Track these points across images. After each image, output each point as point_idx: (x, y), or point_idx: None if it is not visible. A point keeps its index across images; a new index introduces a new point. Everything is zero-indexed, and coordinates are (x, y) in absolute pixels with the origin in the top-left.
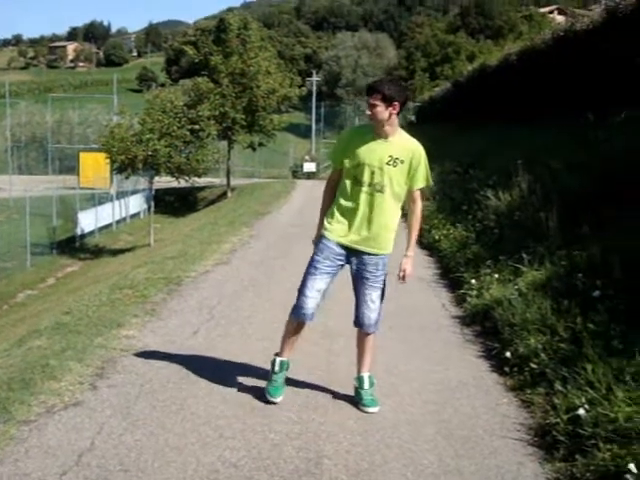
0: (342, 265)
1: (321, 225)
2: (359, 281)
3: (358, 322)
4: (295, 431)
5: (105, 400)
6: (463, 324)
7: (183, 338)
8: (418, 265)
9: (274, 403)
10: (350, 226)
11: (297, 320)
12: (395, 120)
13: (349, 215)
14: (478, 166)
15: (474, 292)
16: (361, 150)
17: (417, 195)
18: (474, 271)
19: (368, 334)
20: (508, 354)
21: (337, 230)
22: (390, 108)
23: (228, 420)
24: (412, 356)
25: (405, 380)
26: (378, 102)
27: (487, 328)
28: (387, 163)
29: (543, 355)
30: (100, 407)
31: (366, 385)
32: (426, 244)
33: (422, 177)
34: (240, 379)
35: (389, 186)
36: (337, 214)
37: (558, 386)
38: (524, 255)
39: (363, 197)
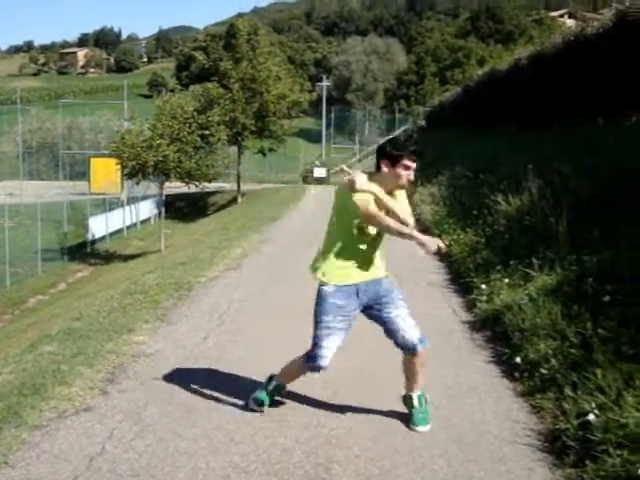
0: (357, 312)
1: None
2: (382, 312)
3: (405, 347)
4: (305, 436)
5: (116, 405)
6: (473, 329)
7: (193, 343)
8: (428, 271)
9: (261, 411)
10: (355, 266)
11: (313, 372)
12: None
13: (354, 258)
14: (488, 171)
15: (484, 297)
16: None
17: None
18: (484, 276)
19: (418, 354)
20: (518, 359)
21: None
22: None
23: (238, 425)
24: None
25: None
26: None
27: (497, 333)
28: None
29: (553, 360)
30: (111, 412)
31: (417, 404)
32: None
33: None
34: (250, 384)
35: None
36: (337, 261)
37: (568, 391)
38: (534, 260)
39: (370, 242)
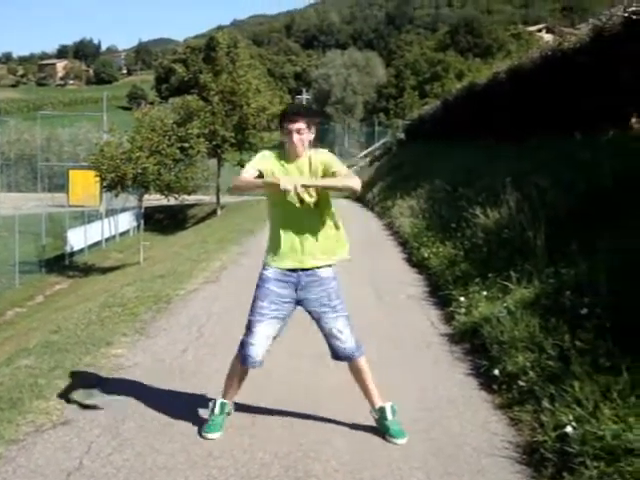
0: (292, 303)
1: None
2: (320, 317)
3: (336, 357)
4: (283, 450)
5: (94, 419)
6: (452, 342)
7: (172, 357)
8: (407, 283)
9: (210, 439)
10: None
11: (244, 366)
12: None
13: (283, 236)
14: (467, 184)
15: (463, 310)
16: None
17: None
18: (463, 289)
19: (354, 361)
20: (496, 372)
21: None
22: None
23: (217, 439)
24: (401, 374)
25: (394, 398)
26: (306, 127)
27: (476, 346)
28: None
29: (531, 373)
30: (89, 426)
31: (389, 415)
32: (415, 262)
33: None
34: None
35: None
36: (272, 242)
37: (546, 404)
38: (512, 273)
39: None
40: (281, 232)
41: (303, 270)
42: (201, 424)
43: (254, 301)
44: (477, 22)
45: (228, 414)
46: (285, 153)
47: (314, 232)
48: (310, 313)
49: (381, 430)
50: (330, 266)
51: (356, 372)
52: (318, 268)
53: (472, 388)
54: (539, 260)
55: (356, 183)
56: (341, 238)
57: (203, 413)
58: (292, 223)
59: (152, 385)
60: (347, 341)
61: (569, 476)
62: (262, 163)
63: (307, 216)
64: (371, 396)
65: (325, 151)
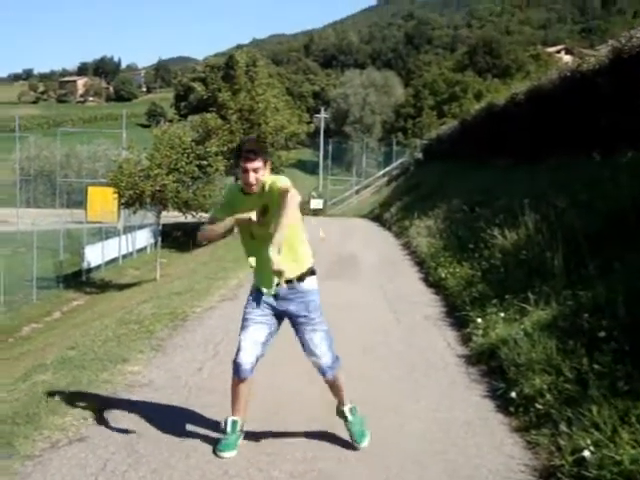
0: (275, 312)
1: None
2: (298, 330)
3: (319, 371)
4: (299, 470)
5: (110, 436)
6: (469, 363)
7: (188, 374)
8: (424, 304)
9: (225, 457)
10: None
11: (236, 377)
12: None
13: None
14: (485, 204)
15: (480, 331)
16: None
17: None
18: (480, 310)
19: (327, 378)
20: (513, 394)
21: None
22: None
23: (233, 458)
24: (418, 395)
25: (411, 419)
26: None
27: (493, 367)
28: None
29: (548, 396)
30: (104, 443)
31: (349, 416)
32: (432, 282)
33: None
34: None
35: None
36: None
37: (563, 427)
38: (530, 294)
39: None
40: (253, 260)
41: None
42: (217, 442)
43: (243, 314)
44: (496, 42)
45: (241, 431)
46: (243, 186)
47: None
48: (292, 325)
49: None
50: (310, 276)
51: (330, 386)
52: (297, 280)
53: (489, 410)
54: (557, 282)
55: (293, 199)
56: (307, 251)
57: (219, 430)
58: (259, 250)
59: (168, 402)
60: (322, 356)
61: None
62: (226, 204)
63: (265, 239)
64: (337, 400)
65: (283, 177)
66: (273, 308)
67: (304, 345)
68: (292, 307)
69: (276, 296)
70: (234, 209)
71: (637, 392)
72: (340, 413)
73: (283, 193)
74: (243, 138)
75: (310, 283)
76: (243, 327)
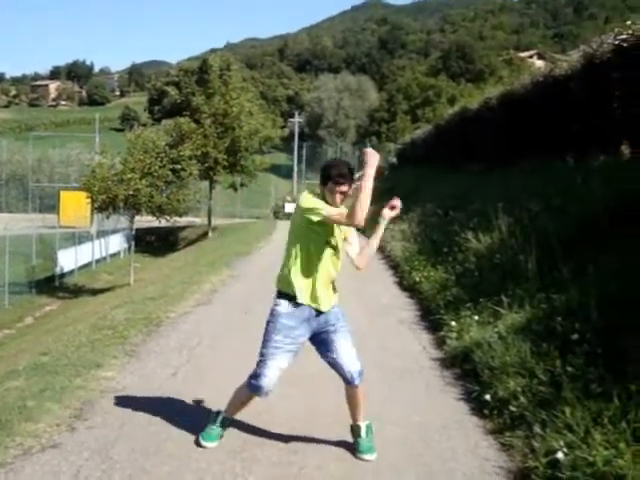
0: (307, 335)
1: None
2: (327, 341)
3: (347, 379)
4: (275, 474)
5: (83, 442)
6: (443, 366)
7: (162, 380)
8: (398, 308)
9: (206, 447)
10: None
11: (255, 395)
12: None
13: (311, 276)
14: (459, 208)
15: (454, 334)
16: None
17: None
18: (454, 313)
19: (357, 387)
20: (488, 397)
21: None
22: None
23: (207, 463)
24: (393, 398)
25: (386, 423)
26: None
27: (467, 371)
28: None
29: (522, 398)
30: (78, 449)
31: (363, 434)
32: (407, 286)
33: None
34: None
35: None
36: (296, 277)
37: (537, 429)
38: (504, 298)
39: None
40: (311, 272)
41: (317, 311)
42: (191, 447)
43: (267, 334)
44: (469, 47)
45: (225, 429)
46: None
47: (334, 275)
48: (318, 339)
49: (354, 446)
50: None
51: (355, 396)
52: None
53: (463, 413)
54: (530, 285)
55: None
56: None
57: (193, 436)
58: (324, 265)
59: (142, 408)
60: (356, 361)
61: None
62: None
63: (335, 260)
64: (356, 415)
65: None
66: (305, 330)
67: (332, 354)
68: (321, 319)
69: (308, 319)
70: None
71: (609, 394)
72: (356, 429)
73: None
74: (333, 161)
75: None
76: (270, 355)
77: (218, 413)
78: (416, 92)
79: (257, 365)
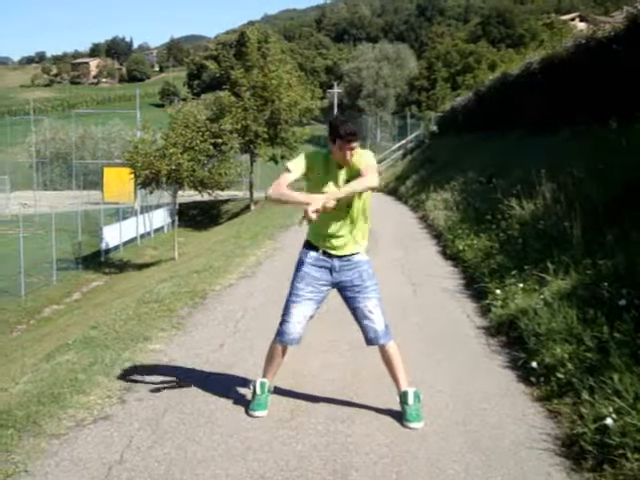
0: (328, 286)
1: None
2: (352, 298)
3: (368, 339)
4: (322, 443)
5: (134, 414)
6: (488, 334)
7: (209, 351)
8: (442, 276)
9: (257, 417)
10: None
11: (282, 344)
12: None
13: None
14: (501, 175)
15: (499, 302)
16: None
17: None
18: (499, 281)
19: (384, 346)
20: (534, 364)
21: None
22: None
23: (255, 432)
24: (438, 367)
25: (432, 391)
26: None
27: (513, 338)
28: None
29: (570, 365)
30: (129, 420)
31: (410, 400)
32: (450, 254)
33: None
34: None
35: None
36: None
37: (585, 396)
38: (549, 264)
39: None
40: (318, 226)
41: (338, 257)
42: (240, 416)
43: (292, 283)
44: (509, 12)
45: (270, 392)
46: (332, 158)
47: (347, 227)
48: (344, 296)
49: (402, 414)
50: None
51: (386, 357)
52: (352, 255)
53: (510, 381)
54: (576, 251)
55: (371, 181)
56: (366, 231)
57: (242, 406)
58: (328, 220)
59: (190, 379)
60: (377, 322)
61: (609, 468)
62: (301, 167)
63: (340, 214)
64: (397, 380)
65: (368, 153)
66: (327, 282)
67: (358, 314)
68: (346, 277)
69: (331, 269)
70: (316, 174)
71: None
72: (403, 396)
73: (364, 170)
74: (339, 118)
75: (361, 256)
76: (292, 302)
77: (256, 381)
78: (456, 59)
79: (282, 313)
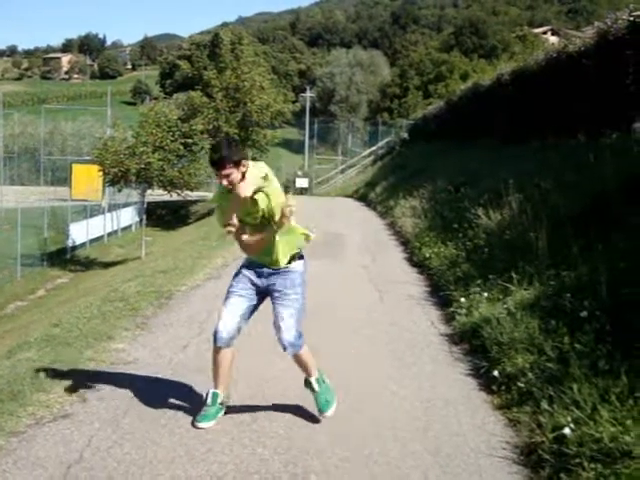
0: (258, 289)
1: None
2: (273, 304)
3: (282, 346)
4: (283, 446)
5: (94, 413)
6: (452, 342)
7: (173, 352)
8: (408, 283)
9: (202, 428)
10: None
11: (215, 346)
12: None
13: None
14: (470, 185)
15: (463, 310)
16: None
17: None
18: (464, 289)
19: (290, 354)
20: (496, 373)
21: None
22: (242, 168)
23: (217, 434)
24: (401, 373)
25: (394, 397)
26: (232, 170)
27: (476, 346)
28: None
29: (530, 374)
30: (89, 419)
31: (316, 387)
32: (416, 262)
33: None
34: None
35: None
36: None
37: (544, 405)
38: (513, 274)
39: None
40: (246, 251)
41: (270, 267)
42: (197, 413)
43: (228, 287)
44: (482, 23)
45: (221, 404)
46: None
47: (269, 249)
48: (272, 301)
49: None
50: (298, 260)
51: (295, 361)
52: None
53: (471, 388)
54: (540, 262)
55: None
56: (296, 232)
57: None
58: (251, 247)
59: (152, 380)
60: (285, 331)
61: (566, 477)
62: (219, 205)
63: (260, 243)
64: (306, 372)
65: (262, 166)
66: (256, 285)
67: (274, 318)
68: (272, 282)
69: (260, 274)
70: (223, 206)
71: (617, 371)
72: (307, 384)
73: (283, 211)
74: (214, 143)
75: (295, 265)
76: (225, 298)
77: (208, 392)
78: (428, 68)
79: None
